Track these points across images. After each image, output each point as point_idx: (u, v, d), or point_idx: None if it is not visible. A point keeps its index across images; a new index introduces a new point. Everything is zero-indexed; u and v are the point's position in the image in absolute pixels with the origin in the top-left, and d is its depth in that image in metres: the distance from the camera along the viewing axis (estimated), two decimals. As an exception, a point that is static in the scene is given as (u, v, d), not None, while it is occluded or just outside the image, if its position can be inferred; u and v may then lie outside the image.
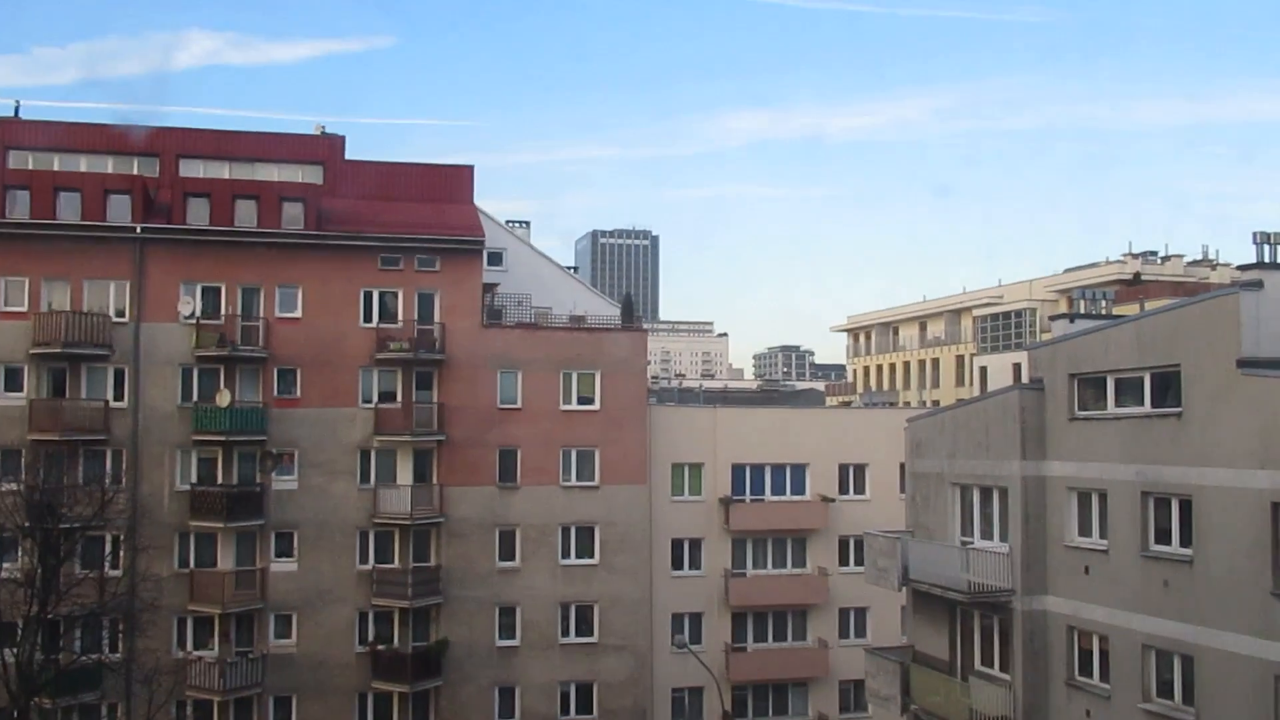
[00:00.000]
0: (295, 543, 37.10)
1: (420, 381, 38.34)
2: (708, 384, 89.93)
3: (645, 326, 45.18)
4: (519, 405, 38.78)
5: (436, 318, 38.38)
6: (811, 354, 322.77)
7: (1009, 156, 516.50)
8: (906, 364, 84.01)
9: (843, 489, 41.14)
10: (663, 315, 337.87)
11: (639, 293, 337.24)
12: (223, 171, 39.67)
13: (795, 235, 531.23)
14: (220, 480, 36.62)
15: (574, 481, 39.04)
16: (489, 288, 41.29)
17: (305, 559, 37.01)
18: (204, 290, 36.99)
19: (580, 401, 39.27)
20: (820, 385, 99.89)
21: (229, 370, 36.97)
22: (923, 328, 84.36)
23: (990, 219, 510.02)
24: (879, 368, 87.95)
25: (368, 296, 38.10)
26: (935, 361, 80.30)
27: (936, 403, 73.28)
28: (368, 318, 38.07)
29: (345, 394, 37.53)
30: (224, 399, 36.36)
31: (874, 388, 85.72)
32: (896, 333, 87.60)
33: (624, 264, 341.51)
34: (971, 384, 72.93)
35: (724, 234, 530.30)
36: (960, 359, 77.21)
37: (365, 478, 37.71)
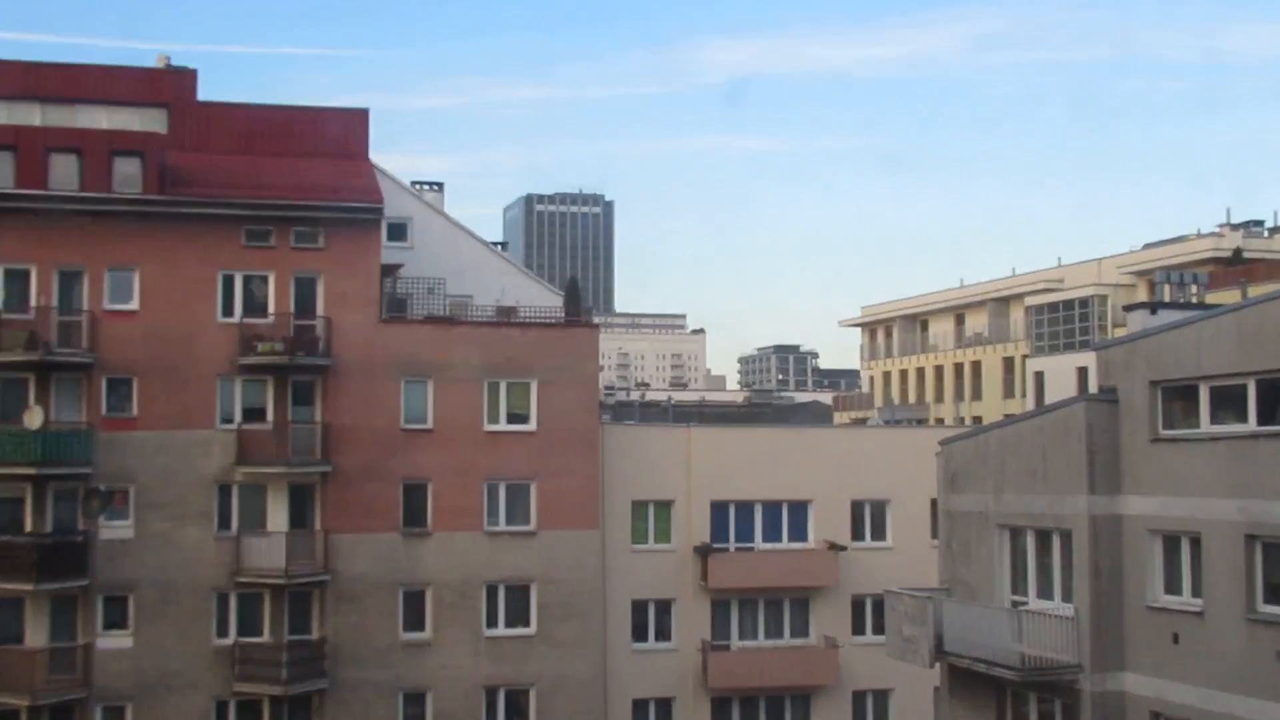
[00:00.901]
0: (130, 610, 36.91)
1: (299, 394, 38.54)
2: (679, 396, 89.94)
3: (597, 320, 45.02)
4: (430, 425, 38.95)
5: (320, 309, 38.54)
6: (815, 356, 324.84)
7: (1069, 98, 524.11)
8: (939, 368, 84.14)
9: (857, 533, 41.51)
10: (619, 306, 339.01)
11: (588, 276, 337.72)
12: (32, 117, 39.41)
13: (792, 202, 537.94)
14: (28, 528, 36.24)
15: (502, 525, 39.31)
16: (390, 270, 41.36)
17: (144, 632, 36.77)
18: (6, 274, 36.74)
19: (511, 420, 39.54)
20: (826, 397, 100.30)
21: (41, 381, 36.76)
22: (959, 321, 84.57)
23: (1044, 180, 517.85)
24: (903, 373, 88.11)
25: (228, 282, 38.15)
26: (976, 365, 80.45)
27: (978, 420, 73.57)
28: (228, 310, 38.11)
29: (198, 411, 37.55)
30: (34, 419, 36.04)
31: (896, 400, 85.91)
32: (925, 327, 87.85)
33: (568, 239, 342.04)
34: (1024, 395, 73.27)
35: (699, 200, 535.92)
36: (1008, 362, 77.61)
37: (225, 522, 37.75)
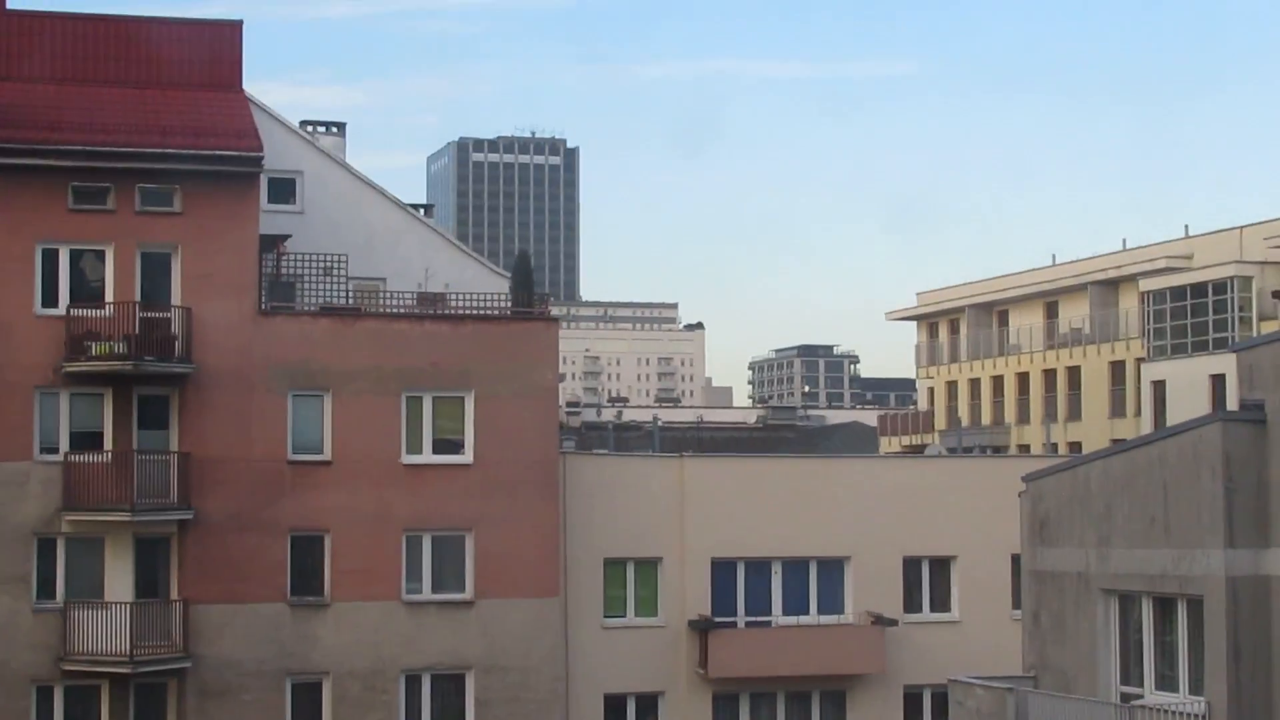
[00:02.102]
0: (-87, 710, 37.43)
1: (148, 414, 38.76)
2: (668, 415, 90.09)
3: (556, 312, 45.14)
4: (327, 456, 39.36)
5: (176, 297, 38.76)
6: (853, 360, 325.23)
7: (1201, 10, 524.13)
8: (1022, 376, 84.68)
9: (911, 602, 42.04)
10: (587, 292, 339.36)
11: (544, 251, 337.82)
12: None
13: (823, 150, 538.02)
14: None
15: (427, 593, 39.73)
16: (272, 243, 41.46)
17: (-68, 743, 37.30)
18: None
19: (440, 448, 40.06)
20: (870, 416, 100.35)
21: None
22: (1050, 312, 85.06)
23: (1165, 122, 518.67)
24: (973, 383, 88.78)
25: (49, 259, 38.29)
26: (1073, 372, 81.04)
27: (1076, 447, 73.91)
28: (50, 298, 38.21)
29: (8, 438, 37.51)
30: None
31: (965, 420, 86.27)
32: (1004, 321, 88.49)
33: (517, 200, 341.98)
34: (1138, 412, 73.99)
35: (696, 148, 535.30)
36: (1117, 367, 78.18)
37: (47, 589, 37.65)
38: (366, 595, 39.06)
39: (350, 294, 42.26)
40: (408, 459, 39.66)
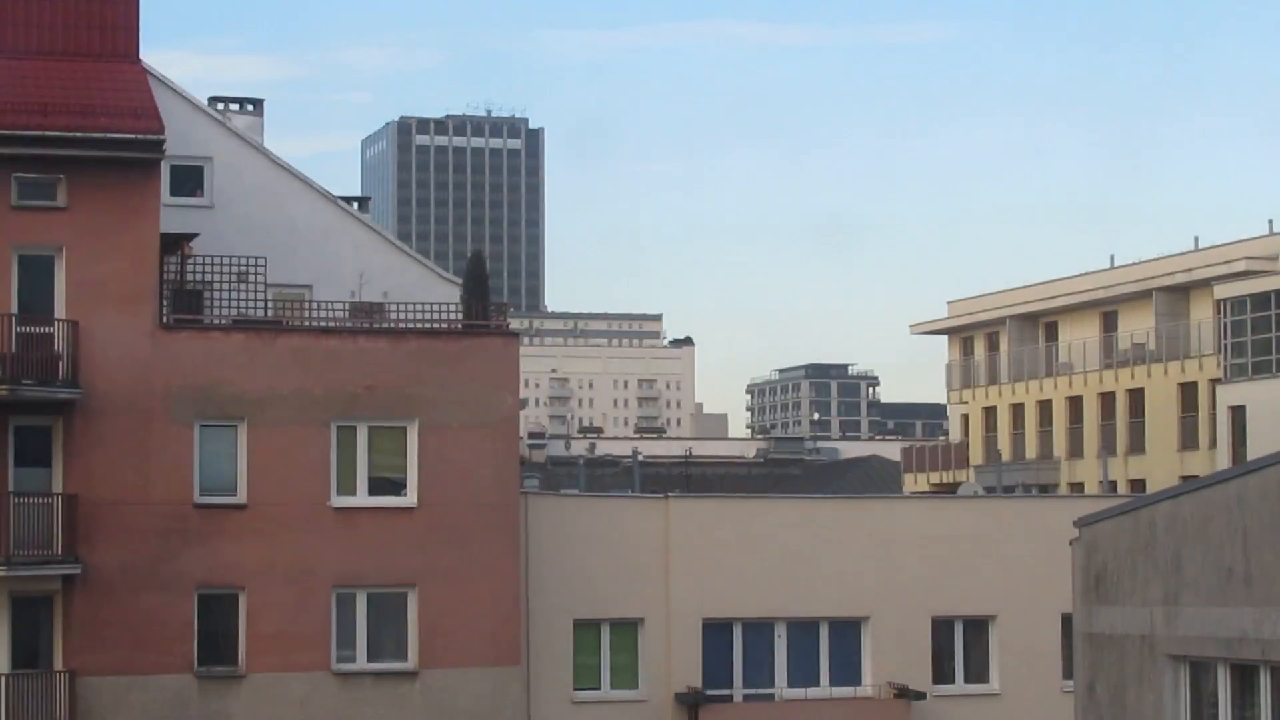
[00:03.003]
0: None
1: (26, 449, 38.82)
2: (651, 448, 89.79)
3: (516, 325, 45.08)
4: (241, 498, 39.56)
5: (60, 309, 38.78)
6: (872, 381, 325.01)
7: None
8: (1074, 401, 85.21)
9: (941, 672, 42.28)
10: (553, 301, 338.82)
11: (502, 253, 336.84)
12: None
13: (836, 132, 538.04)
14: None
15: (362, 662, 39.80)
16: (176, 244, 41.48)
17: None
18: None
19: (377, 489, 40.39)
20: (892, 448, 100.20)
21: None
22: (1108, 324, 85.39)
23: (1239, 97, 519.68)
24: (1015, 409, 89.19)
25: (-97, 261, 39.32)
26: (1135, 396, 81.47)
27: (1139, 486, 74.37)
28: (-97, 307, 39.02)
29: None
30: None
31: (1005, 453, 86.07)
32: (1053, 334, 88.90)
33: (470, 192, 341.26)
34: (1213, 444, 74.18)
35: (684, 129, 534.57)
36: (1188, 390, 78.30)
37: (-99, 656, 38.59)
38: (289, 665, 39.05)
39: (269, 304, 42.27)
40: (339, 501, 39.72)
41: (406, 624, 39.97)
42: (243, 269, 42.13)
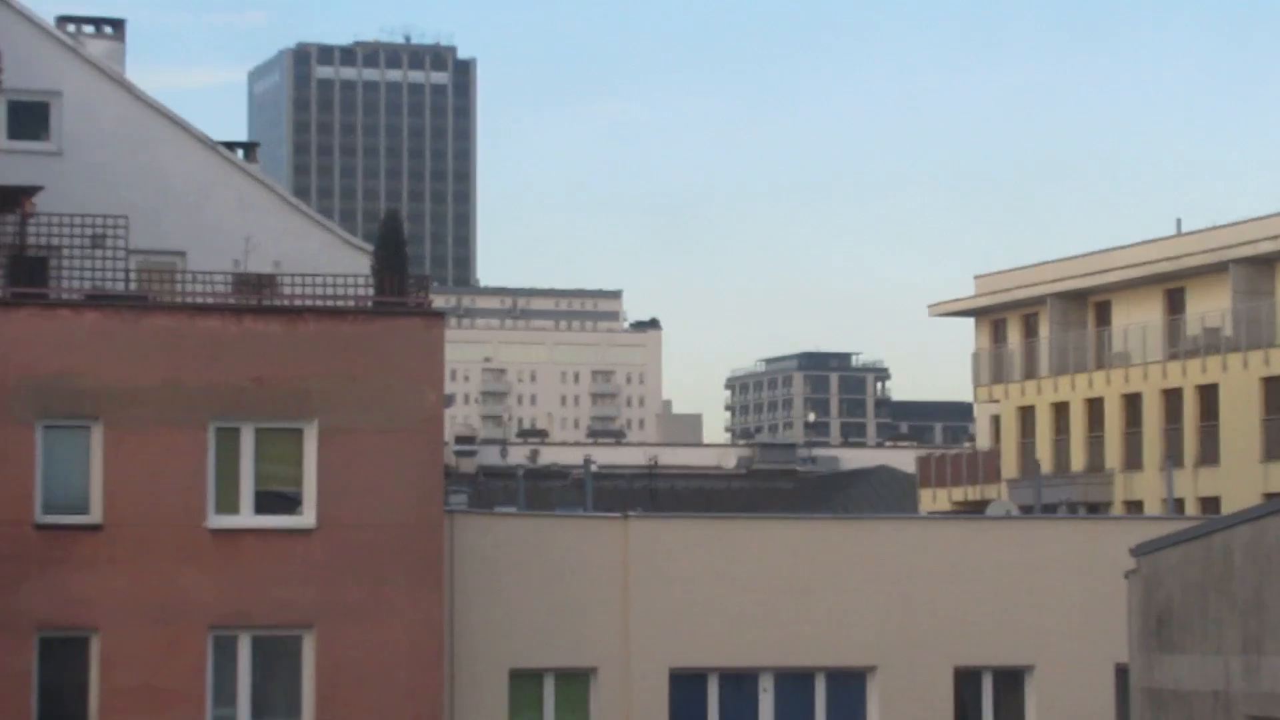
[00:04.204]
0: None
1: None
2: (608, 455, 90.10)
3: (441, 303, 45.00)
4: (95, 518, 38.96)
5: None
6: (881, 374, 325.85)
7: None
8: (1130, 399, 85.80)
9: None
10: (487, 275, 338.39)
11: (423, 213, 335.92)
12: None
13: (839, 71, 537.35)
14: None
15: (246, 720, 36.88)
16: (14, 199, 41.49)
17: None
18: None
19: (265, 506, 39.97)
20: (907, 457, 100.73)
21: None
22: (1173, 304, 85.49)
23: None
24: (1056, 409, 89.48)
25: None
26: (1206, 394, 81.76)
27: (1212, 504, 76.17)
28: None
29: None
30: None
31: (1045, 464, 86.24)
32: (1103, 317, 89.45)
33: (383, 137, 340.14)
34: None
35: (646, 61, 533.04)
36: (1273, 385, 79.20)
37: None
38: (152, 730, 36.30)
39: (132, 275, 42.36)
40: (217, 522, 39.25)
41: (301, 675, 39.67)
42: (98, 231, 42.00)
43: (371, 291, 43.03)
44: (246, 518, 39.64)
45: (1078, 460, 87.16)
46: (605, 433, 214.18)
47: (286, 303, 41.23)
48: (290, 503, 39.86)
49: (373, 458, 40.28)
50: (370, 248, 50.49)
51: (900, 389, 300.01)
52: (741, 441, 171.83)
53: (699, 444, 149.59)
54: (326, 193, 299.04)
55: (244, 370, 39.62)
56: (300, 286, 41.71)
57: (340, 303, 41.72)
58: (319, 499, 39.86)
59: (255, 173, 47.53)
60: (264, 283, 41.99)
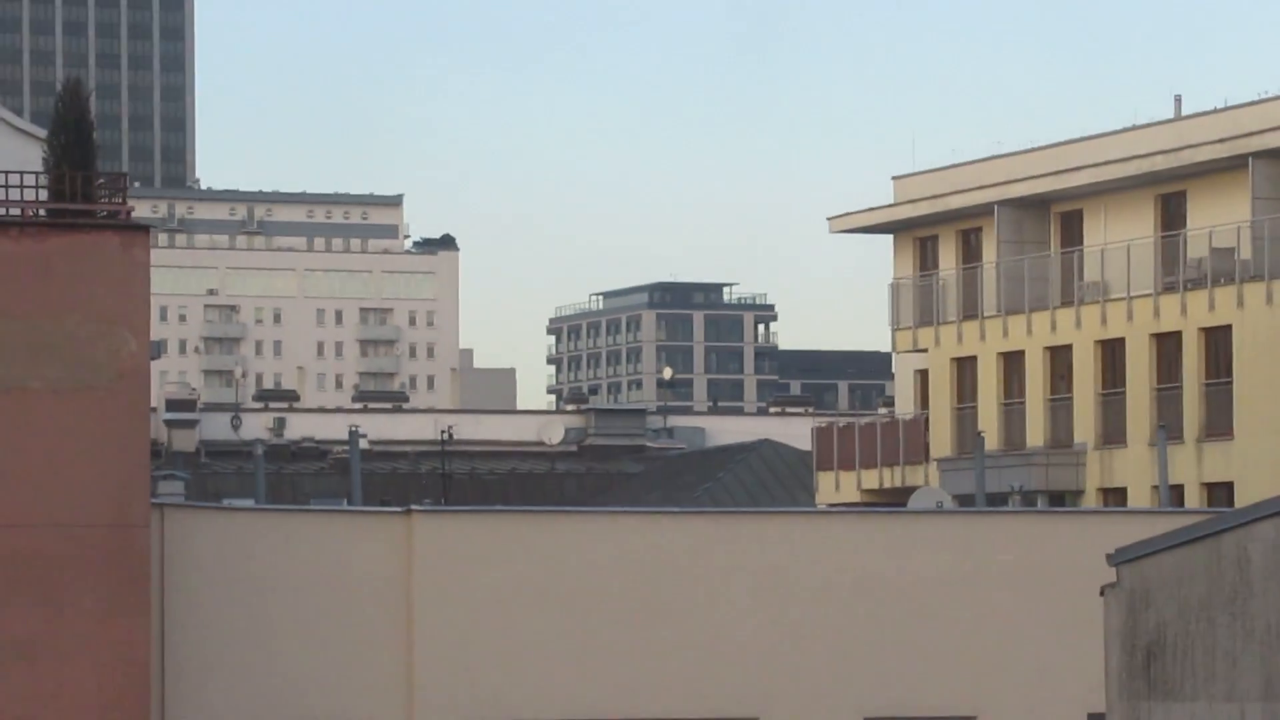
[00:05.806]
0: None
1: None
2: (383, 426, 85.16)
3: (144, 213, 42.97)
4: None
5: None
6: (764, 314, 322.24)
7: None
8: (1109, 347, 77.19)
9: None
10: (209, 175, 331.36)
11: (119, 88, 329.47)
12: None
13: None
14: None
15: None
16: None
17: None
18: None
19: None
20: (796, 426, 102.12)
21: None
22: (1169, 213, 76.11)
23: None
24: (1007, 360, 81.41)
25: None
26: (1214, 339, 73.71)
27: (1223, 491, 72.43)
28: None
29: None
30: None
31: (990, 439, 78.41)
32: (1072, 233, 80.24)
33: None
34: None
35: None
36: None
37: None
38: None
39: None
40: None
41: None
42: None
43: (44, 195, 39.07)
44: None
45: (1036, 433, 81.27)
46: (380, 395, 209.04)
47: None
48: None
49: (46, 430, 37.38)
50: (42, 133, 44.58)
51: (790, 334, 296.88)
52: (570, 407, 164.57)
53: (511, 410, 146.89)
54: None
55: None
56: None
57: (2, 213, 37.83)
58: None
59: None
60: None
